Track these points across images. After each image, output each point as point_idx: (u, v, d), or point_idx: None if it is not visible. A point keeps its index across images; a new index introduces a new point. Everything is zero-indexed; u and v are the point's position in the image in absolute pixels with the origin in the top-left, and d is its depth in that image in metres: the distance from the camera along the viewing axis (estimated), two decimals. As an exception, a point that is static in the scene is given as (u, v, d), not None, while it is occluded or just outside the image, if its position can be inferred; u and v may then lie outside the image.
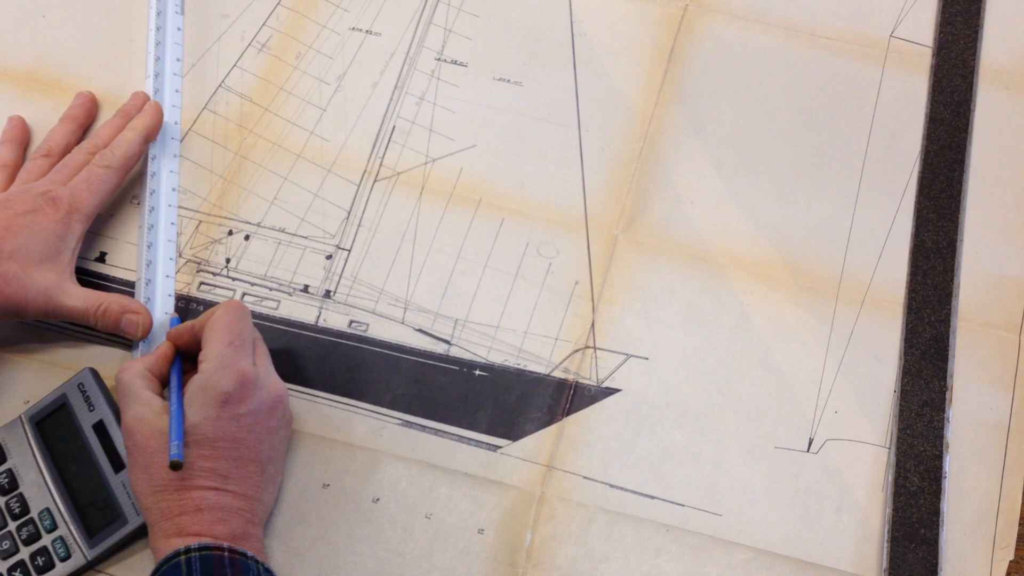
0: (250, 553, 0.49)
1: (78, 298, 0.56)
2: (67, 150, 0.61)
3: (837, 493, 0.54)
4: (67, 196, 0.57)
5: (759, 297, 0.59)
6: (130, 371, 0.52)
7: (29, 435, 0.55)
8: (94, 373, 0.56)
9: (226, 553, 0.48)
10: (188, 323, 0.55)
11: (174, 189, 0.62)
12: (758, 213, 0.61)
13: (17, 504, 0.54)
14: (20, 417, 0.55)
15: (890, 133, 0.63)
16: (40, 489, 0.54)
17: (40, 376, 0.57)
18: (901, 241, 0.60)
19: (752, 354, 0.58)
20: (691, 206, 0.61)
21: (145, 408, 0.51)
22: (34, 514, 0.53)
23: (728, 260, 0.60)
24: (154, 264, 0.59)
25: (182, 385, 0.52)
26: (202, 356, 0.52)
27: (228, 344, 0.52)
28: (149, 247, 0.60)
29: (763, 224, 0.61)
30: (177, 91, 0.65)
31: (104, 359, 0.58)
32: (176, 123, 0.64)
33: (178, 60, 0.65)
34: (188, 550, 0.47)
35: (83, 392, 0.55)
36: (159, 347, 0.55)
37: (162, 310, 0.58)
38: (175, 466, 0.48)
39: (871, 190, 0.61)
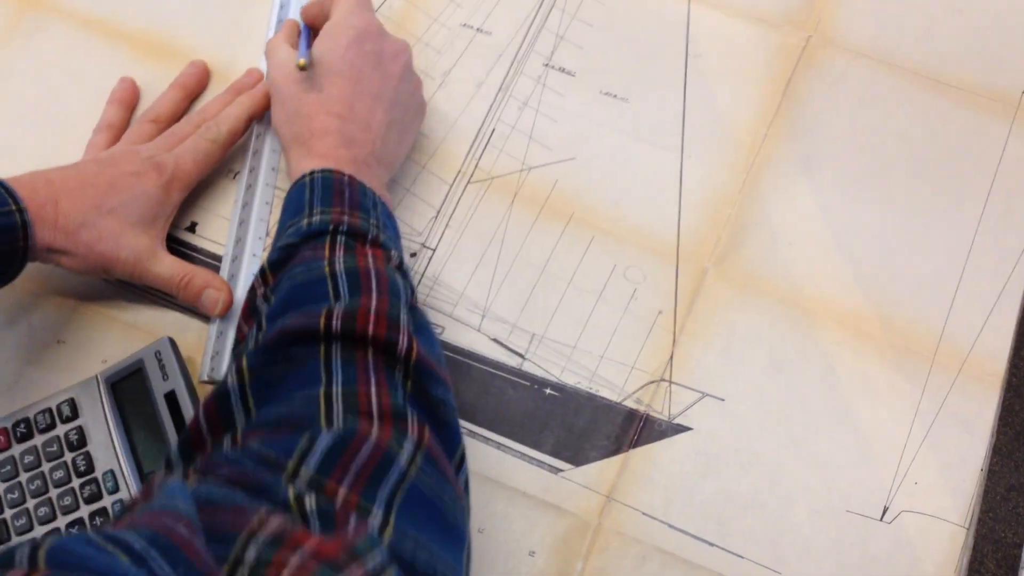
0: (369, 184, 0.53)
1: (166, 266, 0.57)
2: (174, 117, 0.62)
3: (906, 568, 0.52)
4: (171, 164, 0.58)
5: (849, 350, 0.56)
6: (276, 38, 0.60)
7: (103, 395, 0.55)
8: (172, 343, 0.56)
9: (346, 176, 0.53)
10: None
11: (274, 168, 0.62)
12: (858, 263, 0.58)
13: (83, 462, 0.54)
14: (96, 376, 0.56)
15: (1010, 195, 0.59)
16: (107, 450, 0.55)
17: (120, 337, 0.58)
18: (1009, 311, 0.57)
19: (834, 410, 0.55)
20: (789, 247, 0.59)
21: (285, 56, 0.58)
22: (98, 474, 0.54)
23: (820, 308, 0.57)
24: (243, 242, 0.60)
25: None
26: (332, 11, 0.59)
27: (357, 3, 0.58)
28: (241, 224, 0.60)
29: (862, 275, 0.58)
30: None
31: (184, 328, 0.58)
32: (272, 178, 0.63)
33: None
34: (312, 172, 0.53)
35: (159, 360, 0.56)
36: (290, 21, 0.61)
37: (244, 288, 0.59)
38: (302, 67, 0.55)
39: (983, 253, 0.58)
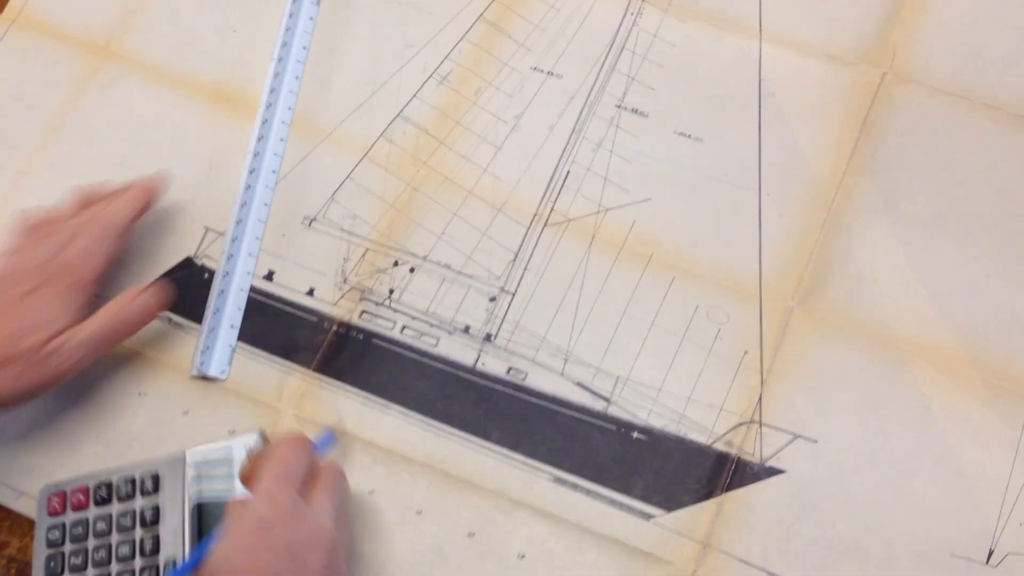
0: None
1: (87, 332, 0.54)
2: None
3: (1017, 614, 0.50)
4: (62, 267, 0.55)
5: (943, 390, 0.55)
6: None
7: (186, 478, 0.54)
8: (263, 435, 0.54)
9: None
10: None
11: (261, 221, 0.62)
12: (947, 300, 0.57)
13: (151, 542, 0.52)
14: (184, 455, 0.54)
15: (1098, 228, 0.59)
16: (176, 536, 0.52)
17: (239, 408, 0.58)
18: (1104, 346, 0.56)
19: (931, 451, 0.54)
20: (875, 285, 0.58)
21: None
22: (161, 560, 0.52)
23: (911, 347, 0.56)
24: (226, 295, 0.60)
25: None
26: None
27: (275, 477, 0.48)
28: (229, 260, 0.60)
29: (952, 312, 0.57)
30: (284, 123, 0.64)
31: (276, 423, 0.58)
32: (274, 172, 0.63)
33: (289, 109, 0.65)
34: None
35: (248, 453, 0.54)
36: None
37: (225, 342, 0.59)
38: None
39: (1075, 288, 0.57)
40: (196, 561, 0.48)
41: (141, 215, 0.60)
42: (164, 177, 0.61)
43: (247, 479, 0.50)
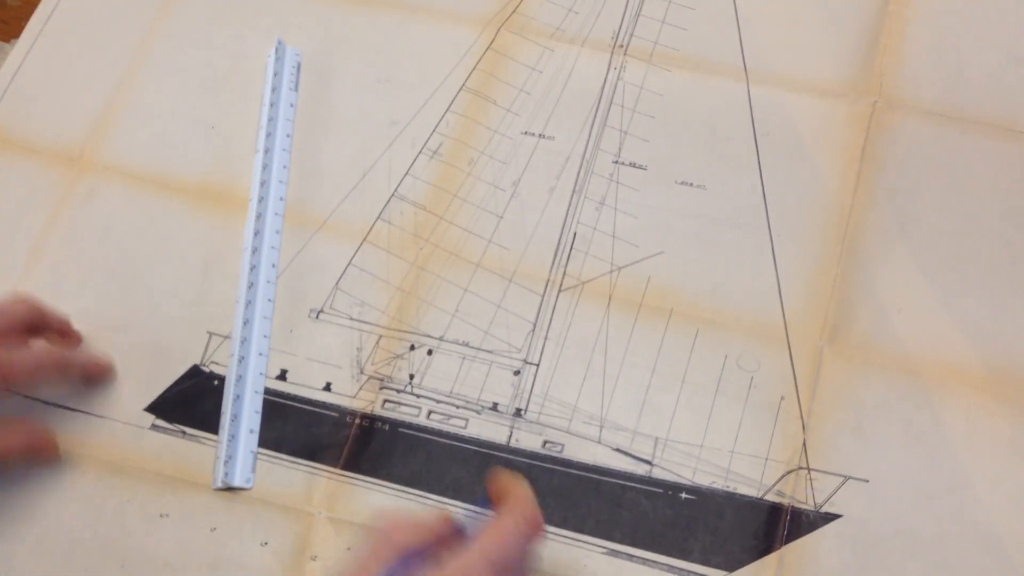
0: None
1: None
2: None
3: (1101, 635, 0.50)
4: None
5: (985, 413, 0.55)
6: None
7: None
8: None
9: None
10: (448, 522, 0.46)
11: (267, 318, 0.60)
12: (974, 321, 0.57)
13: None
14: None
15: (1106, 232, 0.59)
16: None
17: (268, 517, 0.55)
18: None
19: (984, 477, 0.53)
20: (899, 314, 0.58)
21: None
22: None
23: (945, 372, 0.56)
24: (242, 400, 0.58)
25: None
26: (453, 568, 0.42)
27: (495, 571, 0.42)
28: (240, 363, 0.58)
29: (979, 333, 0.57)
30: (278, 214, 0.63)
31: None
32: (273, 266, 0.61)
33: (281, 199, 0.63)
34: None
35: None
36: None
37: (247, 449, 0.57)
38: None
39: (1099, 296, 0.57)
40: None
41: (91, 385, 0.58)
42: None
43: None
